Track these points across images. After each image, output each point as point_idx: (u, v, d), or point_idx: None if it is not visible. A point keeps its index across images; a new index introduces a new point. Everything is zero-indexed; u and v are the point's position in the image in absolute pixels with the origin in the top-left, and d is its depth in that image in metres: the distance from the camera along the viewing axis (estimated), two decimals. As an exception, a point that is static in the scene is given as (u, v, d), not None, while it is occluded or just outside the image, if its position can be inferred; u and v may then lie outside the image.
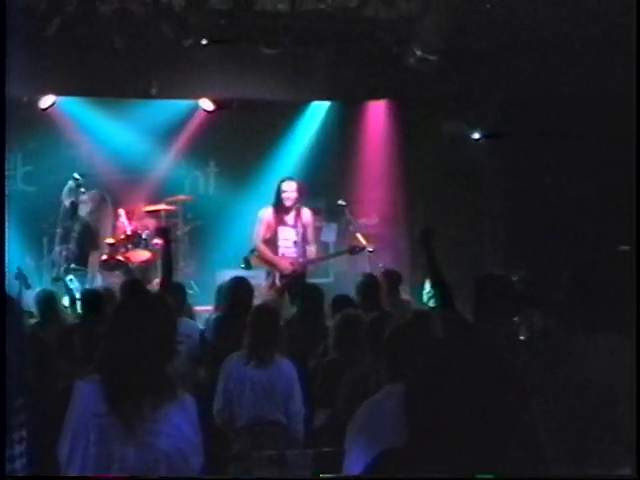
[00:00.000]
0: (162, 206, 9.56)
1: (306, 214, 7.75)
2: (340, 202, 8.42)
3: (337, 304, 5.43)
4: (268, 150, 10.02)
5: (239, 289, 5.62)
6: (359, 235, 8.17)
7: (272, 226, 7.60)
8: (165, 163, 10.12)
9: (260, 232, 7.61)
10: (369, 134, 10.16)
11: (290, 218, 7.62)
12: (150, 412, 2.51)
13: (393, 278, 6.51)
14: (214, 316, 5.92)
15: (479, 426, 1.81)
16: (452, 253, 9.48)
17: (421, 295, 6.67)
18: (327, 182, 10.14)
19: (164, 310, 2.66)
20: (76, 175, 8.84)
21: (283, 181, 7.60)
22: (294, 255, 7.62)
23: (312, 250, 7.72)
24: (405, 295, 6.85)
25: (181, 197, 9.80)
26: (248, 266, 7.63)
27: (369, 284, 5.88)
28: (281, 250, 7.61)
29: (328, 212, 10.17)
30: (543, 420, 3.00)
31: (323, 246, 8.96)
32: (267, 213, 7.65)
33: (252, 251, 7.69)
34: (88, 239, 8.87)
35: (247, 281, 6.03)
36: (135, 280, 6.80)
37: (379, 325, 4.18)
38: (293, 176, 8.53)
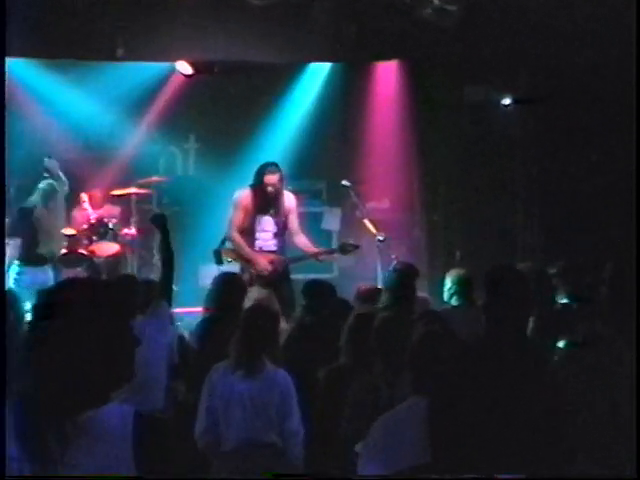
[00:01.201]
0: (132, 189, 9.54)
1: (289, 199, 7.65)
2: (344, 183, 8.36)
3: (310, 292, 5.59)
4: (258, 122, 10.03)
5: (227, 286, 5.67)
6: (367, 222, 8.12)
7: (250, 212, 7.52)
8: (135, 138, 10.09)
9: (236, 219, 7.52)
10: (378, 102, 10.16)
11: (271, 204, 7.54)
12: (60, 454, 2.17)
13: (408, 272, 6.51)
14: (199, 320, 5.98)
15: (514, 443, 1.81)
16: (478, 242, 9.59)
17: (441, 292, 6.67)
18: (328, 159, 10.13)
19: (115, 315, 2.24)
20: (46, 158, 8.88)
21: (266, 168, 7.51)
22: (274, 249, 7.58)
23: (297, 242, 7.68)
24: (422, 292, 6.87)
25: (155, 178, 9.82)
26: (219, 261, 7.58)
27: (405, 275, 5.95)
28: (259, 243, 7.56)
29: (330, 195, 10.23)
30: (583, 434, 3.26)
31: (325, 235, 8.98)
32: (244, 196, 7.55)
33: (223, 242, 7.62)
34: (30, 230, 8.72)
35: (237, 277, 6.12)
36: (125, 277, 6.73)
37: (391, 327, 4.25)
38: (284, 154, 8.52)
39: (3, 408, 2.26)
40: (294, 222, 7.66)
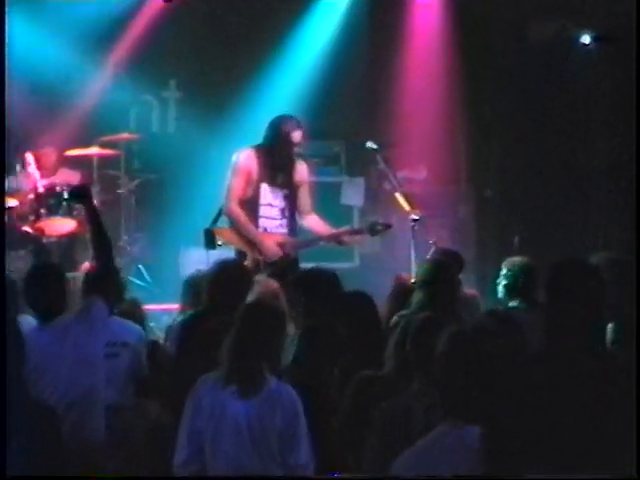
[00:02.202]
0: (94, 150, 9.57)
1: (301, 169, 7.73)
2: (369, 145, 8.26)
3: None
4: (259, 64, 9.99)
5: (228, 278, 5.71)
6: (398, 196, 8.05)
7: (253, 180, 7.56)
8: (98, 83, 10.04)
9: (235, 187, 7.53)
10: (414, 40, 10.10)
11: (280, 172, 7.60)
12: None
13: (451, 262, 6.56)
14: (180, 318, 6.04)
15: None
16: (542, 224, 9.53)
17: (494, 288, 6.69)
18: (349, 114, 10.10)
19: None
20: None
21: (288, 121, 7.58)
22: (282, 230, 7.64)
23: (308, 224, 7.74)
24: (469, 289, 6.87)
25: (124, 136, 9.85)
26: (211, 243, 7.61)
27: (447, 266, 6.03)
28: (262, 222, 7.60)
29: (351, 161, 10.20)
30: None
31: (345, 212, 8.96)
32: (247, 158, 7.57)
33: (217, 218, 7.65)
34: None
35: (243, 267, 6.23)
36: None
37: (429, 335, 4.24)
38: (292, 107, 8.56)
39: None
40: (305, 199, 7.72)
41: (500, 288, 6.50)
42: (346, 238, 7.75)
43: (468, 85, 9.92)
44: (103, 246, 5.40)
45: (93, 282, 5.39)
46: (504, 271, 6.51)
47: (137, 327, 5.73)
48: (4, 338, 2.84)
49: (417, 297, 5.81)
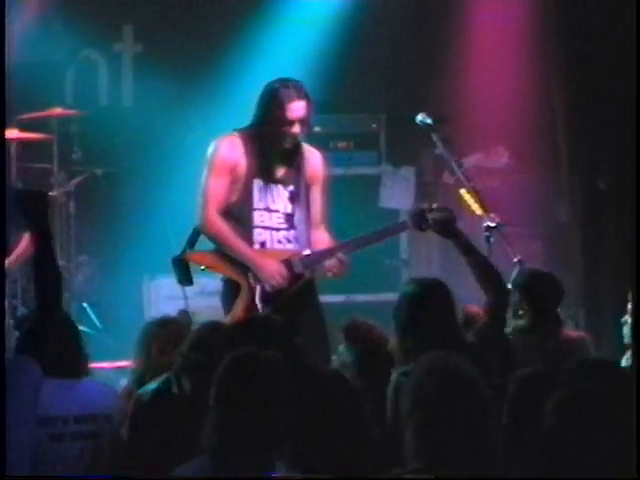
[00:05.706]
0: (13, 132, 9.79)
1: (314, 159, 7.95)
2: (422, 118, 8.33)
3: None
4: (255, 5, 10.18)
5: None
6: (465, 193, 8.16)
7: (241, 177, 7.76)
8: (15, 31, 9.94)
9: (214, 190, 7.75)
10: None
11: (280, 162, 7.80)
12: None
13: (547, 291, 6.98)
14: (131, 379, 6.25)
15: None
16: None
17: (616, 328, 7.06)
18: (391, 75, 10.41)
19: None
20: None
21: (282, 88, 7.71)
22: (291, 246, 7.84)
23: (312, 240, 7.90)
24: (572, 328, 7.21)
25: (56, 111, 10.09)
26: (184, 276, 7.84)
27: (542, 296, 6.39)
28: (258, 235, 7.81)
29: (394, 142, 10.40)
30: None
31: (386, 219, 8.85)
32: (231, 147, 7.79)
33: (193, 240, 7.80)
34: None
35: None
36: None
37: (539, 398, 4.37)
38: (304, 68, 8.86)
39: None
40: (315, 203, 7.90)
41: (626, 329, 6.68)
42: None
43: (559, 28, 10.34)
44: (51, 277, 5.49)
45: (27, 334, 5.45)
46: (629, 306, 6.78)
47: (112, 389, 5.89)
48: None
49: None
